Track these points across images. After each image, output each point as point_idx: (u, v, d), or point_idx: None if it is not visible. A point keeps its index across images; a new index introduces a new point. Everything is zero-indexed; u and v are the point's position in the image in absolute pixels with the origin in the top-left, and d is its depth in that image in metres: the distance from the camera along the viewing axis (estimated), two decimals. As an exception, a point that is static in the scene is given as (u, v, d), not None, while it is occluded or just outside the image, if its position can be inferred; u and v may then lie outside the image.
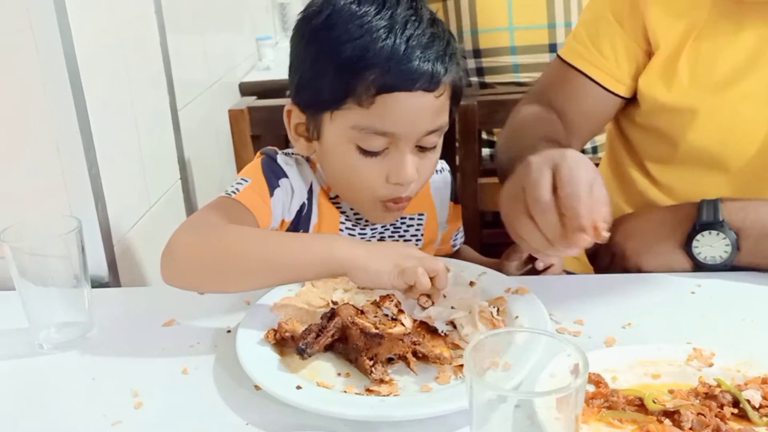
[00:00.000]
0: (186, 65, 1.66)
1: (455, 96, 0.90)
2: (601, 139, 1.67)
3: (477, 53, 1.66)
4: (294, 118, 0.93)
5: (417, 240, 1.04)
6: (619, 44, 1.03)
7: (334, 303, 0.85)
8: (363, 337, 0.71)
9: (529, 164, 0.77)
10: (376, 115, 0.84)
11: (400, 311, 0.77)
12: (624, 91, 1.06)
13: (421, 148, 0.89)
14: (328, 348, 0.74)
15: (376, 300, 0.79)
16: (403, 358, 0.72)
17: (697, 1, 0.96)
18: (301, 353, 0.71)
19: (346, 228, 0.99)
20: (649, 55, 1.02)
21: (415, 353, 0.72)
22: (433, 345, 0.74)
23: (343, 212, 0.99)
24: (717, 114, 0.96)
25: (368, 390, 0.69)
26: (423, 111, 0.85)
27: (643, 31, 1.01)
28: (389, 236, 1.03)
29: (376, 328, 0.72)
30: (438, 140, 0.90)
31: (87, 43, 1.07)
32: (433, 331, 0.77)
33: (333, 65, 0.84)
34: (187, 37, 1.75)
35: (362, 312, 0.76)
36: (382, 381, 0.70)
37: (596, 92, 1.06)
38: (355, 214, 0.99)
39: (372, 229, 1.01)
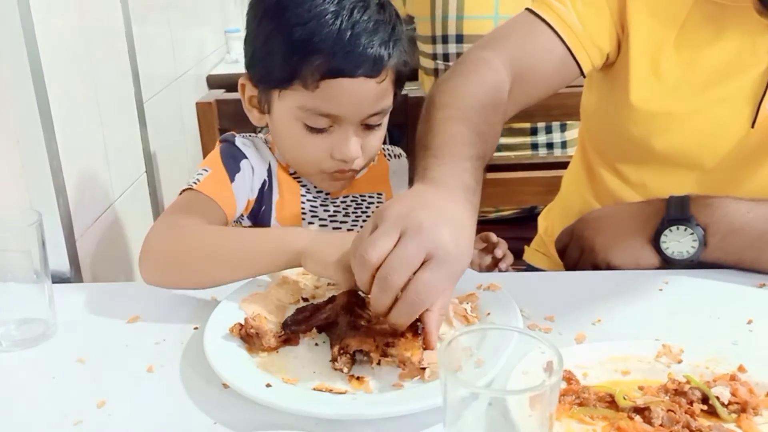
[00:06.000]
0: (152, 57, 1.63)
1: (399, 80, 0.95)
2: (572, 134, 1.68)
3: (459, 38, 1.67)
4: (248, 90, 0.98)
5: None
6: (596, 15, 0.97)
7: (305, 300, 0.84)
8: (347, 327, 0.71)
9: (388, 216, 0.67)
10: (320, 98, 0.89)
11: None
12: (585, 63, 0.99)
13: (367, 126, 0.95)
14: (321, 329, 0.75)
15: None
16: (367, 354, 0.71)
17: (679, 2, 0.95)
18: (285, 327, 0.73)
19: (308, 200, 1.02)
20: (619, 43, 0.99)
21: (384, 353, 0.71)
22: (407, 348, 0.73)
23: (303, 185, 1.02)
24: (694, 117, 0.97)
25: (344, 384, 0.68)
26: (366, 95, 0.90)
27: (621, 16, 0.98)
28: (352, 211, 1.05)
29: (368, 321, 0.71)
30: (383, 119, 0.96)
31: (49, 32, 1.05)
32: (415, 331, 0.76)
33: (283, 47, 0.88)
34: (154, 28, 1.72)
35: (364, 304, 0.75)
36: (342, 371, 0.69)
37: (560, 54, 0.98)
38: (315, 186, 1.03)
39: (333, 203, 1.03)
